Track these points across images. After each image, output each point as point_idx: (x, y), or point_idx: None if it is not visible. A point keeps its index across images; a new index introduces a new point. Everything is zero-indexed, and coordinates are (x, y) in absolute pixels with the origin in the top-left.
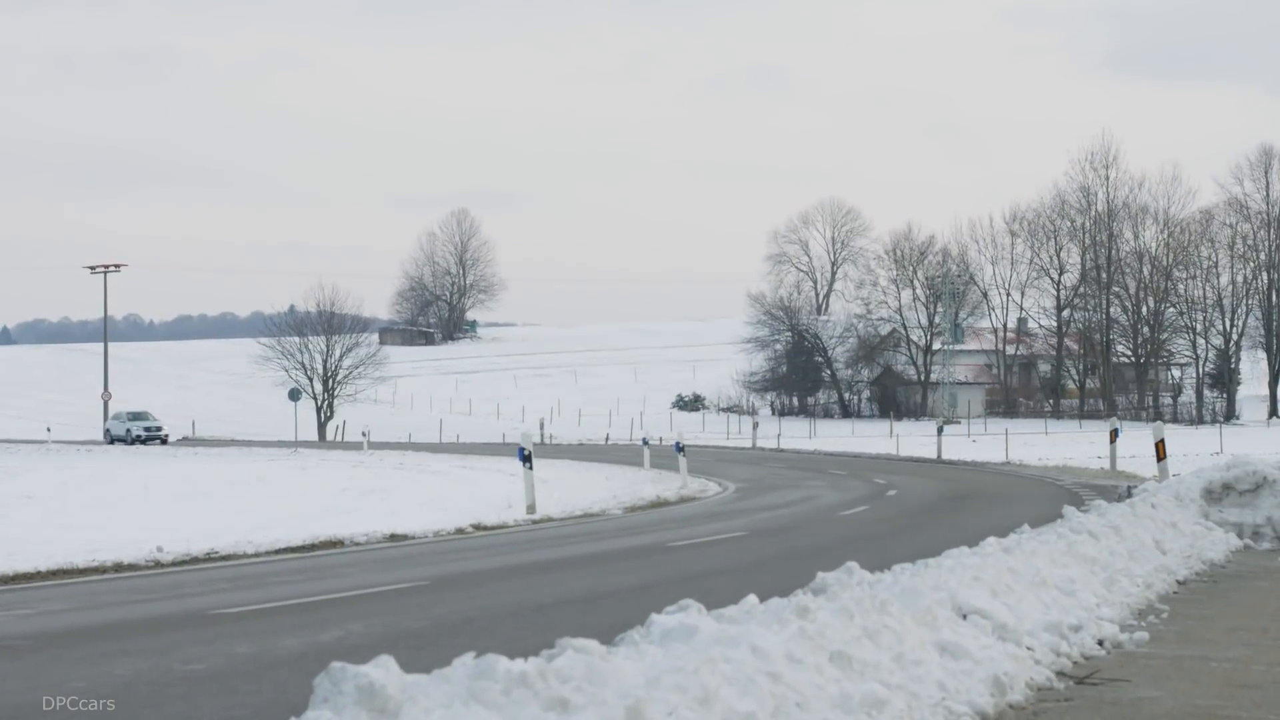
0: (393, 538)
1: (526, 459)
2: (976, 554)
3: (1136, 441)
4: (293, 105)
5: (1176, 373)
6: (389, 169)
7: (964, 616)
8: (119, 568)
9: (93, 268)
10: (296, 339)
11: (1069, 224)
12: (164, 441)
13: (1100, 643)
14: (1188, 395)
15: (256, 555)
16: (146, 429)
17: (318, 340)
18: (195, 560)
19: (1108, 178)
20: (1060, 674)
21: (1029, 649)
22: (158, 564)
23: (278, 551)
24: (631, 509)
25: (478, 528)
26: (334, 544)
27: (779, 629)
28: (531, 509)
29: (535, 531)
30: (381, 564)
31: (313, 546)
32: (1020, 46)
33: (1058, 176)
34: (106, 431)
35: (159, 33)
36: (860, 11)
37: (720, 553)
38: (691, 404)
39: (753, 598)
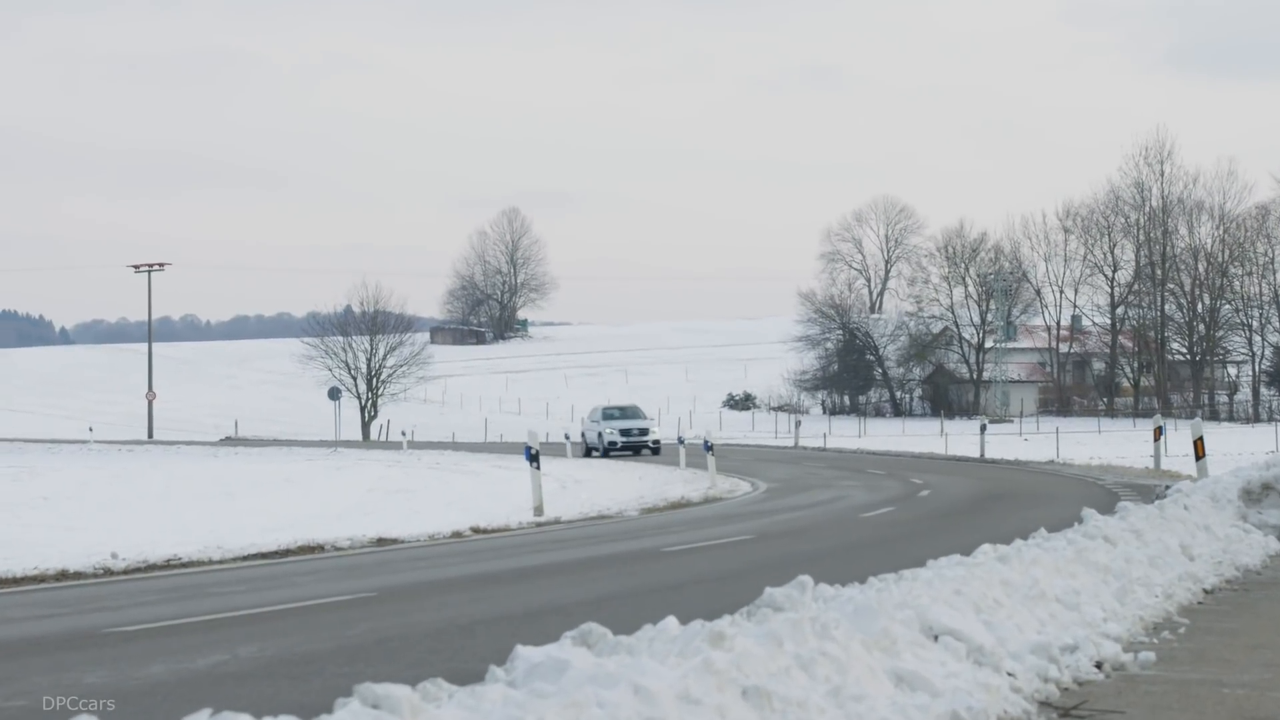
0: (380, 542)
1: (533, 458)
2: (964, 564)
3: (1187, 440)
4: (351, 107)
5: (1233, 370)
6: (447, 170)
7: (935, 638)
8: (63, 576)
9: (136, 267)
10: (340, 338)
11: (1123, 220)
12: (655, 450)
13: (1099, 665)
14: (1244, 393)
15: (221, 562)
16: (624, 433)
17: (362, 339)
18: (151, 568)
19: (1162, 173)
20: (1044, 704)
21: (1009, 675)
22: (108, 572)
23: (246, 558)
24: (649, 510)
25: (476, 531)
26: (311, 549)
27: (678, 662)
28: (539, 510)
29: (535, 535)
30: (345, 572)
31: (286, 552)
32: (1079, 44)
33: (1111, 172)
34: (582, 435)
35: (220, 35)
36: (917, 9)
37: (713, 559)
38: (742, 403)
39: (671, 620)
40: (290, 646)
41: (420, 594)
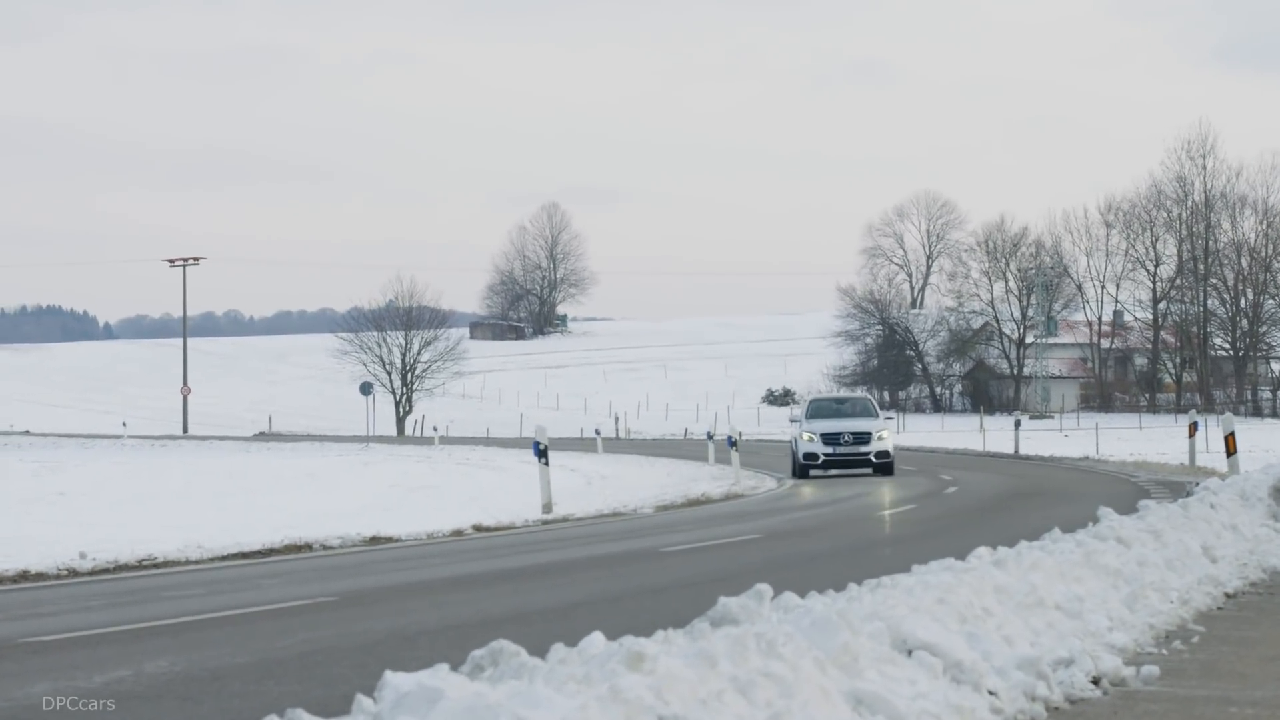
0: (373, 540)
1: (542, 454)
2: (952, 569)
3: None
4: (397, 103)
5: (1277, 366)
6: (492, 166)
7: (909, 653)
8: (23, 577)
9: (172, 261)
10: (375, 333)
11: (1165, 214)
12: (884, 468)
13: (1096, 681)
14: None
15: (198, 562)
16: (830, 439)
17: (396, 334)
18: (120, 568)
19: (1205, 167)
20: None
21: (990, 694)
22: (72, 573)
23: (226, 557)
24: (664, 507)
25: (479, 529)
26: (298, 548)
27: (579, 689)
28: (547, 508)
29: (537, 534)
30: (319, 574)
31: (270, 551)
32: (1125, 39)
33: (1153, 166)
34: (791, 440)
35: (266, 31)
36: (963, 2)
37: (711, 560)
38: (781, 398)
39: (596, 636)
40: (204, 661)
41: (383, 598)
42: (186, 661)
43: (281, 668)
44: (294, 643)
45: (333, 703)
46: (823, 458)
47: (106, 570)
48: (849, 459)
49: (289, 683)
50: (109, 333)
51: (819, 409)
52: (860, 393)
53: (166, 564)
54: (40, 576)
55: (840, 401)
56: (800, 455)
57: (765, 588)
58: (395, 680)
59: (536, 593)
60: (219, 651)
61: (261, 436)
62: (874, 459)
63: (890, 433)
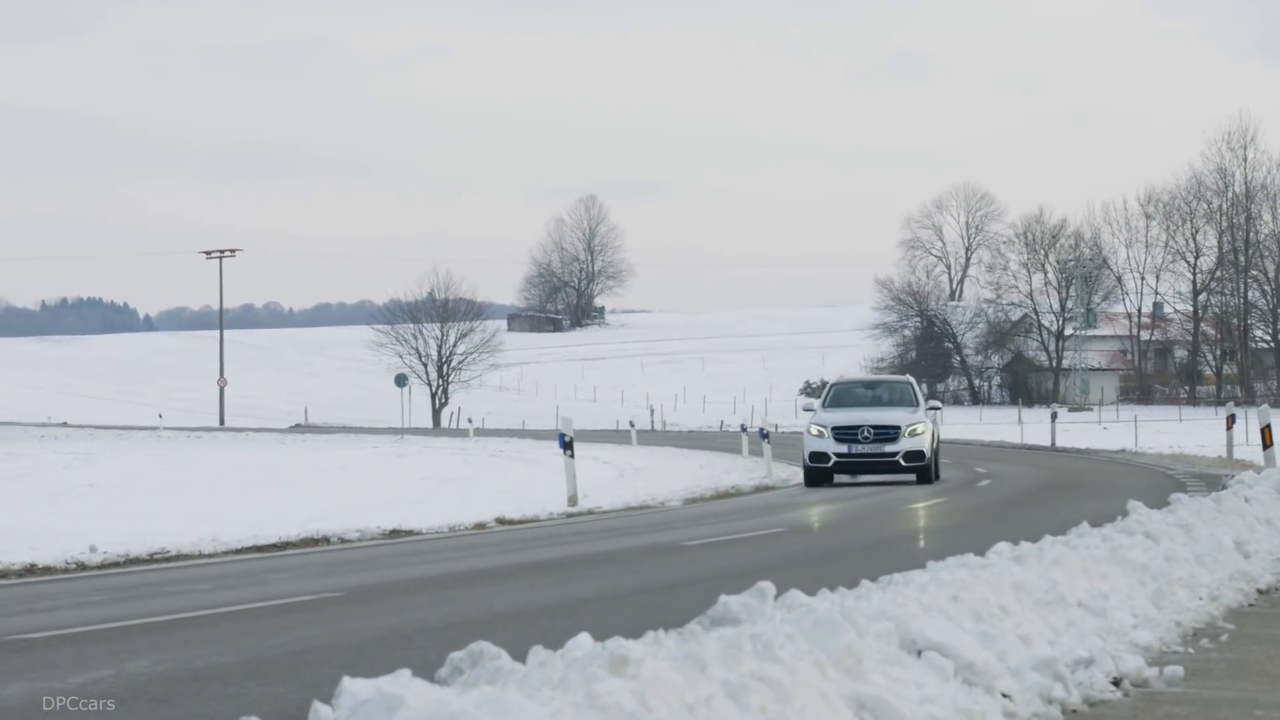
0: (393, 533)
1: (567, 446)
2: (968, 565)
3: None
4: (437, 96)
5: None
6: (531, 158)
7: (918, 654)
8: (30, 571)
9: (208, 253)
10: (411, 325)
11: (1205, 206)
12: (919, 472)
13: (1117, 682)
14: None
15: (211, 555)
16: (844, 433)
17: (433, 326)
18: (131, 562)
19: (1245, 159)
20: None
21: (1004, 696)
22: (81, 566)
23: (239, 551)
24: (693, 500)
25: (501, 522)
26: (315, 541)
27: (553, 695)
28: (573, 501)
29: (560, 527)
30: (330, 568)
31: (286, 545)
32: (1165, 30)
33: (1194, 157)
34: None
35: (305, 24)
36: None
37: (730, 555)
38: (818, 391)
39: (583, 638)
40: (190, 660)
41: (390, 594)
42: (172, 661)
43: (268, 668)
44: (287, 641)
45: (301, 706)
46: (834, 459)
47: (116, 564)
48: (869, 461)
49: (273, 684)
50: (149, 325)
51: (840, 395)
52: (899, 375)
53: (178, 557)
54: (47, 570)
55: (870, 386)
56: (806, 456)
57: (767, 585)
58: (353, 687)
59: (547, 589)
60: (208, 650)
61: (297, 429)
62: (903, 461)
63: (929, 426)
